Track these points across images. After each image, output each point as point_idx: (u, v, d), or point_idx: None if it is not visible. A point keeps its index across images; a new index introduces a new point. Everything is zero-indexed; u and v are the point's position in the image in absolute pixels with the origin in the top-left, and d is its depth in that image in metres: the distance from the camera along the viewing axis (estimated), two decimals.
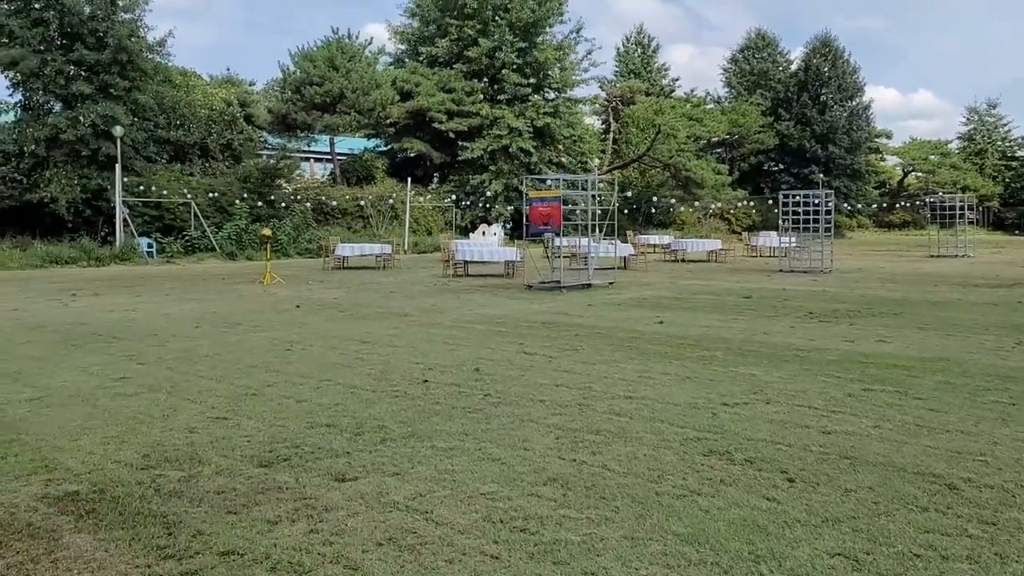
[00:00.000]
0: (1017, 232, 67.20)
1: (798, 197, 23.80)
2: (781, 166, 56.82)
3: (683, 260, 28.09)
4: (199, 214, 27.82)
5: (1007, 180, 72.16)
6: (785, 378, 7.43)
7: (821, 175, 54.22)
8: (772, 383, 7.20)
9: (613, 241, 22.84)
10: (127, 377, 7.65)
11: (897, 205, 59.86)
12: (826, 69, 55.81)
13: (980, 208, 70.20)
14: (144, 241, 26.69)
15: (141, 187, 27.49)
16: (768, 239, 31.34)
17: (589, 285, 17.00)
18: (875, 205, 60.99)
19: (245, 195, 29.48)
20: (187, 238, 27.44)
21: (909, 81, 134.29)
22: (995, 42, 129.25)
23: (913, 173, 71.67)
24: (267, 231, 19.88)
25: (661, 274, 22.04)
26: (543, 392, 6.90)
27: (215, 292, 16.70)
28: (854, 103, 56.66)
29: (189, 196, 27.89)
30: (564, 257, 20.01)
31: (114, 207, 26.20)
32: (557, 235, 16.67)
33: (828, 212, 22.84)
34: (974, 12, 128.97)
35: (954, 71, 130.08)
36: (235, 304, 14.33)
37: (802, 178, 55.78)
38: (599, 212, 18.35)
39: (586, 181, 17.62)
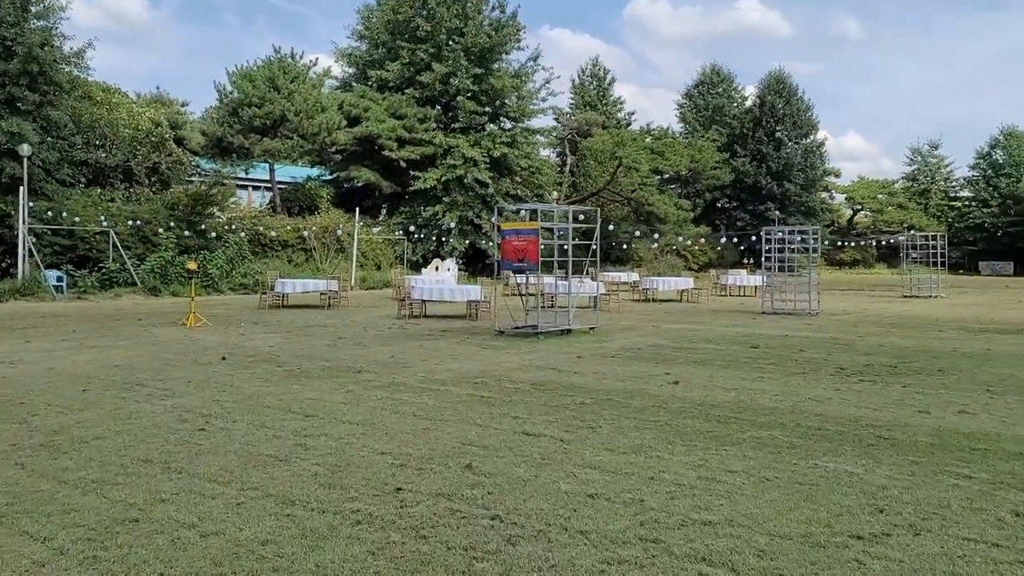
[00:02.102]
0: (961, 271, 67.91)
1: (780, 234, 22.20)
2: (736, 203, 56.15)
3: (653, 299, 26.25)
4: (118, 244, 24.84)
5: (950, 220, 73.20)
6: (899, 480, 5.33)
7: (777, 212, 53.64)
8: (890, 491, 5.09)
9: (582, 280, 20.83)
10: None
11: (858, 244, 59.54)
12: (780, 106, 55.60)
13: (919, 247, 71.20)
14: (53, 274, 23.58)
15: (50, 213, 24.40)
16: (738, 278, 29.79)
17: (569, 331, 14.84)
18: (828, 243, 60.73)
19: (172, 224, 26.57)
20: (104, 271, 24.39)
21: (839, 124, 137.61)
22: (920, 87, 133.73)
23: (861, 212, 72.18)
24: (192, 264, 17.19)
25: (638, 316, 20.05)
26: (576, 511, 4.65)
27: (125, 337, 13.99)
28: (808, 140, 56.53)
29: (106, 224, 24.88)
30: (516, 296, 17.86)
31: (17, 235, 23.08)
32: (534, 272, 14.50)
33: (815, 250, 21.24)
34: (901, 59, 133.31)
35: (881, 115, 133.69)
36: (146, 354, 11.71)
37: (757, 215, 55.21)
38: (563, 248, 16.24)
39: (566, 213, 15.53)
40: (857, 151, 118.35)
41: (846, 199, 72.26)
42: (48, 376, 9.58)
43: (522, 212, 18.14)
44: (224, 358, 11.29)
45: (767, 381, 9.55)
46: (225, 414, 7.38)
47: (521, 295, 16.24)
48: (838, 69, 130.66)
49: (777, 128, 56.29)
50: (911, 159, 77.14)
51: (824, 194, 62.75)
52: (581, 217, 16.86)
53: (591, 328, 15.48)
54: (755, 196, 55.58)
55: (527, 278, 15.65)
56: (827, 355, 12.06)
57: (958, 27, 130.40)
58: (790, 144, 55.79)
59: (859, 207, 71.34)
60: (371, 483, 5.22)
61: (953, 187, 75.56)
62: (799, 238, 22.45)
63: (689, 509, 4.70)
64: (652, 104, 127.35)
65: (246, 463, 5.68)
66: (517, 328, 14.81)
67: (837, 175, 69.47)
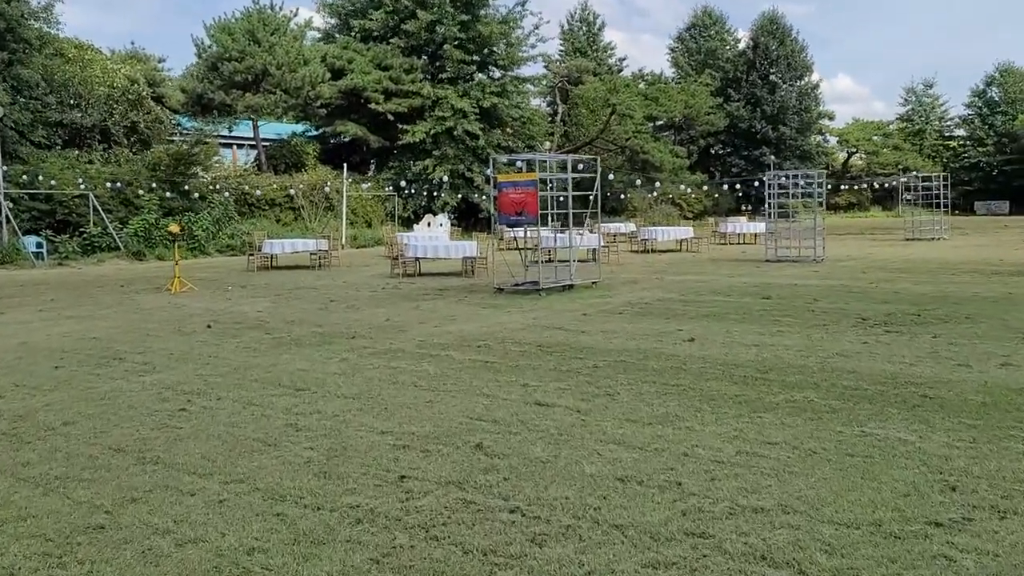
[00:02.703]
0: (957, 212, 67.37)
1: (782, 179, 21.48)
2: (731, 149, 55.17)
3: (652, 250, 25.63)
4: (99, 207, 23.95)
5: (945, 160, 72.37)
6: (961, 449, 4.78)
7: (772, 157, 52.73)
8: (955, 463, 4.53)
9: (581, 231, 20.15)
10: None
11: (853, 187, 58.66)
12: (774, 47, 54.25)
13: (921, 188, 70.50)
14: (32, 240, 22.74)
15: (25, 176, 23.45)
16: (737, 225, 29.13)
17: (571, 286, 14.23)
18: (830, 187, 60.02)
19: (154, 185, 25.63)
20: (85, 235, 23.54)
21: (830, 66, 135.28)
22: (911, 27, 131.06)
23: (856, 154, 71.26)
24: (175, 226, 16.41)
25: (640, 268, 19.45)
26: (606, 499, 4.09)
27: (106, 306, 13.31)
28: (803, 82, 55.35)
29: (83, 186, 23.92)
30: (512, 250, 17.13)
31: None
32: (533, 226, 13.82)
33: (819, 195, 20.55)
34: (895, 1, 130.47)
35: (872, 56, 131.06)
36: (127, 323, 11.06)
37: (752, 160, 54.28)
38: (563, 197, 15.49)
39: (564, 162, 14.79)
40: (848, 93, 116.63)
41: (838, 142, 71.23)
42: (19, 352, 8.93)
43: (518, 163, 17.35)
44: (209, 326, 10.65)
45: (787, 335, 8.98)
46: (209, 390, 6.77)
47: (520, 250, 15.58)
48: (828, 9, 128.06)
49: (771, 71, 55.01)
50: (905, 99, 75.97)
51: (819, 137, 61.70)
52: (580, 167, 16.11)
53: (593, 282, 14.87)
54: (750, 141, 54.56)
55: (526, 232, 14.97)
56: (844, 304, 11.50)
57: None
58: (784, 87, 54.60)
59: (854, 150, 70.36)
60: (371, 470, 4.63)
61: (948, 126, 74.58)
62: (801, 183, 21.75)
63: (734, 492, 4.14)
64: (640, 50, 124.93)
65: (231, 449, 5.09)
66: (517, 285, 14.18)
67: (831, 118, 68.35)
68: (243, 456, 4.95)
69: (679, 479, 4.36)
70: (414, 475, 4.53)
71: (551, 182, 14.34)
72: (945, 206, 29.79)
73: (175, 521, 3.94)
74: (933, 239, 28.56)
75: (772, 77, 54.48)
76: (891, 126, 73.60)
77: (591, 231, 18.58)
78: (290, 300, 13.74)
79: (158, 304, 13.42)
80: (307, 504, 4.12)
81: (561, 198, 15.19)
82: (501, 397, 6.38)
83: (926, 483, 4.20)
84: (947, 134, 73.84)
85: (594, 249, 20.50)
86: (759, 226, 29.45)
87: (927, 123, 74.00)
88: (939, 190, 29.80)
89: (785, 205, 22.00)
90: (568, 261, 14.83)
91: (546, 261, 16.82)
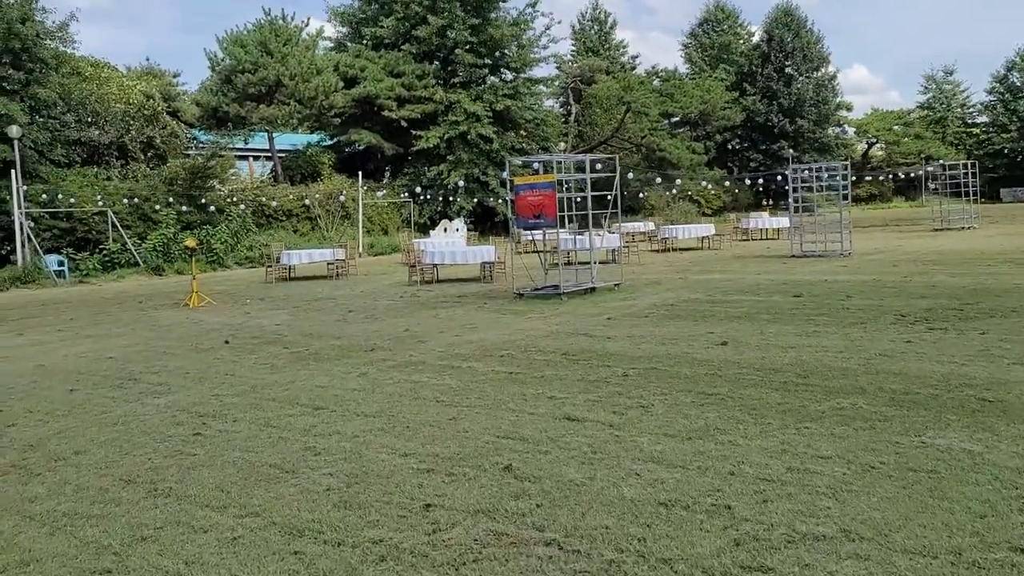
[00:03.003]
0: (983, 200, 66.20)
1: (806, 172, 21.01)
2: (748, 143, 54.54)
3: (672, 249, 25.21)
4: (117, 224, 23.92)
5: (969, 147, 71.16)
6: None
7: (791, 150, 52.04)
8: None
9: (600, 232, 19.81)
10: None
11: (875, 178, 57.75)
12: (789, 39, 53.57)
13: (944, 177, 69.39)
14: (54, 259, 22.74)
15: (43, 196, 23.47)
16: (760, 220, 28.62)
17: (593, 289, 13.89)
18: (854, 179, 59.21)
19: (171, 200, 25.58)
20: (105, 252, 23.51)
21: (843, 57, 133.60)
22: (925, 14, 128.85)
23: (876, 145, 70.22)
24: (191, 241, 16.26)
25: (661, 268, 19.07)
26: (650, 527, 3.76)
27: (124, 323, 13.15)
28: (820, 74, 54.60)
29: (101, 203, 23.87)
30: (529, 253, 16.79)
31: (13, 220, 22.19)
32: (552, 229, 13.50)
33: (845, 188, 20.04)
34: None
35: (885, 46, 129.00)
36: (144, 342, 10.87)
37: (770, 154, 53.67)
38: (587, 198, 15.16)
39: (581, 162, 14.46)
40: (863, 84, 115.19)
41: (855, 133, 70.21)
42: (35, 375, 8.74)
43: (535, 165, 17.05)
44: (227, 342, 10.43)
45: (825, 336, 8.60)
46: (225, 412, 6.52)
47: (539, 252, 15.26)
48: (840, 2, 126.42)
49: (787, 63, 54.33)
50: (925, 87, 74.81)
51: (837, 129, 60.82)
52: (599, 167, 15.77)
53: (616, 285, 14.51)
54: (767, 135, 53.90)
55: (544, 235, 14.65)
56: (879, 301, 11.07)
57: None
58: (801, 79, 53.89)
59: (874, 140, 69.33)
60: (394, 498, 4.34)
61: (970, 113, 73.36)
62: (824, 175, 21.26)
63: (790, 516, 3.79)
64: (650, 48, 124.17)
65: (246, 477, 4.81)
66: (537, 290, 13.87)
67: (849, 108, 67.32)
68: (259, 485, 4.68)
69: (728, 502, 4.02)
70: (440, 503, 4.23)
71: (568, 183, 14.02)
72: (974, 194, 29.07)
73: (186, 563, 3.66)
74: (963, 228, 27.89)
75: (788, 70, 53.82)
76: (912, 115, 72.51)
77: (610, 231, 18.20)
78: (308, 312, 13.52)
79: (176, 320, 13.24)
80: (327, 540, 3.83)
81: (578, 199, 14.88)
82: (528, 412, 6.07)
83: (1003, 501, 3.84)
84: (969, 121, 72.62)
85: (614, 250, 20.14)
86: (782, 221, 28.95)
87: (948, 110, 72.81)
88: (967, 178, 29.06)
89: (808, 199, 21.50)
90: (588, 263, 14.49)
91: (565, 264, 16.53)
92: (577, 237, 17.99)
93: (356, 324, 11.67)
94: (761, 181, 41.80)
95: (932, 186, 72.99)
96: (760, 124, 53.21)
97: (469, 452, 5.10)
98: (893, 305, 10.56)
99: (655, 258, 22.46)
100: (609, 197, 14.34)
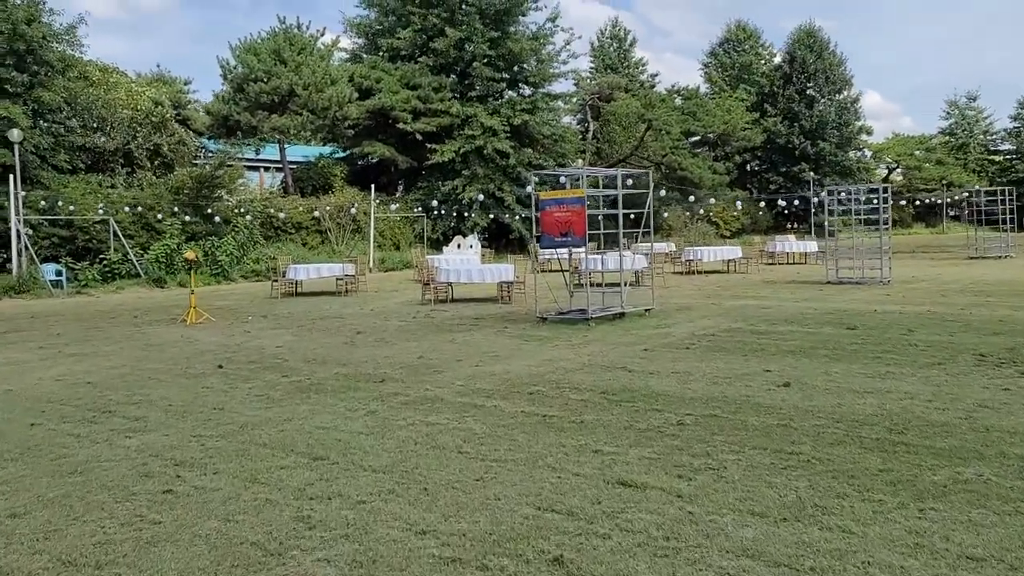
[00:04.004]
0: (1009, 228, 64.81)
1: (842, 194, 19.93)
2: (767, 165, 53.50)
3: (697, 271, 24.10)
4: (119, 233, 23.01)
5: (991, 175, 69.92)
6: None
7: (811, 173, 50.95)
8: None
9: (624, 253, 18.73)
10: None
11: (897, 203, 56.46)
12: (812, 61, 52.61)
13: (965, 204, 68.05)
14: (51, 268, 21.83)
15: (43, 203, 22.58)
16: (787, 244, 27.50)
17: (622, 314, 12.79)
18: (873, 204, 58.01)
19: (176, 209, 24.67)
20: (105, 262, 22.58)
21: (858, 83, 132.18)
22: (941, 41, 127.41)
23: (897, 170, 69.06)
24: (191, 253, 15.27)
25: (689, 291, 17.96)
26: None
27: (114, 341, 12.13)
28: (842, 96, 53.56)
29: (102, 211, 22.95)
30: (547, 273, 15.70)
31: (10, 228, 21.30)
32: (580, 248, 12.44)
33: (886, 211, 18.93)
34: (920, 12, 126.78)
35: (899, 72, 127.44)
36: (131, 363, 9.83)
37: (791, 177, 52.58)
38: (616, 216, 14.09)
39: (610, 177, 13.43)
40: (876, 110, 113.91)
41: (872, 156, 69.03)
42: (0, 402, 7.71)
43: (561, 179, 16.04)
44: (220, 366, 9.38)
45: (901, 378, 7.48)
46: (206, 460, 5.45)
47: (563, 272, 14.20)
48: (854, 25, 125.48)
49: (808, 84, 53.38)
50: (948, 112, 73.69)
51: (858, 152, 59.74)
52: (629, 182, 14.72)
53: (646, 310, 13.41)
54: (787, 157, 52.82)
55: (570, 254, 13.60)
56: (948, 336, 9.93)
57: None
58: (823, 101, 52.87)
59: (894, 165, 68.20)
60: None
61: (993, 140, 72.18)
62: (861, 198, 20.17)
63: None
64: (664, 69, 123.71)
65: (218, 563, 3.73)
66: (562, 314, 12.78)
67: (869, 132, 66.29)
68: (233, 574, 3.59)
69: None
70: None
71: (602, 199, 12.98)
72: (1011, 222, 27.89)
73: None
74: (1001, 257, 26.68)
75: (810, 91, 52.84)
76: (933, 140, 71.36)
77: (636, 252, 17.15)
78: (313, 332, 12.47)
79: (169, 338, 12.22)
80: None
81: (600, 216, 13.82)
82: (571, 471, 4.98)
83: None
84: (992, 148, 71.42)
85: (638, 272, 19.03)
86: (810, 245, 27.84)
87: (971, 136, 71.65)
88: (1006, 206, 27.89)
89: (842, 222, 20.44)
90: (617, 286, 13.42)
91: (577, 286, 15.49)
92: (601, 257, 16.97)
93: (365, 348, 10.61)
94: (783, 203, 40.62)
95: (953, 213, 72.04)
96: (780, 146, 52.16)
97: (504, 532, 4.01)
98: (966, 342, 9.42)
99: (679, 281, 21.35)
100: (633, 216, 13.32)
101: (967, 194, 34.79)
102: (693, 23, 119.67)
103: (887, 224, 19.04)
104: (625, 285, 13.07)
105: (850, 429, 5.77)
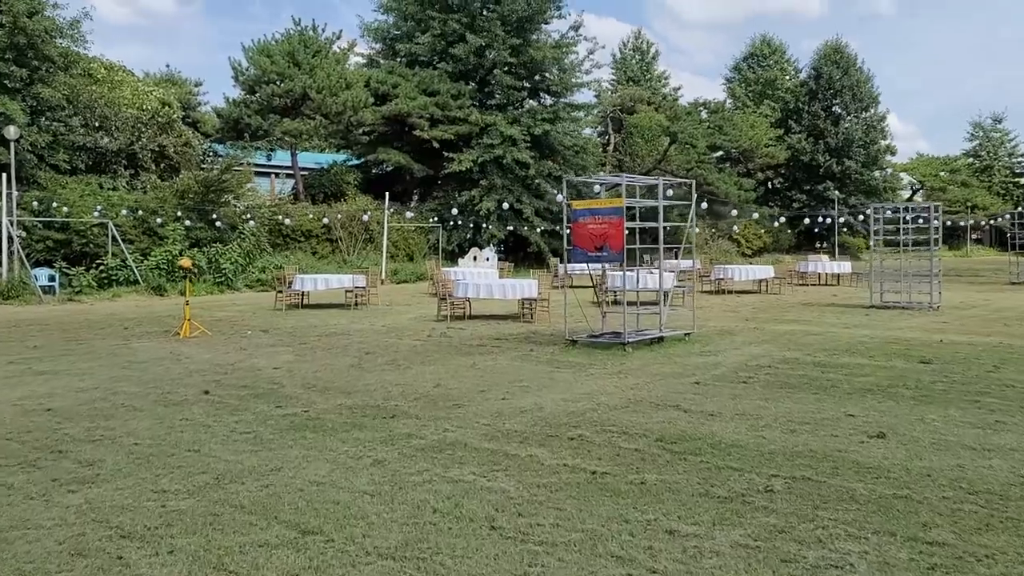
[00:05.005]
0: None
1: (888, 211, 18.62)
2: (790, 182, 52.07)
3: (726, 291, 22.76)
4: (118, 237, 21.88)
5: (1016, 198, 68.33)
6: None
7: (836, 192, 49.49)
8: None
9: (651, 270, 17.45)
10: None
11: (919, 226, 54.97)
12: (838, 77, 51.25)
13: (988, 227, 66.43)
14: (44, 272, 20.71)
15: (36, 203, 21.46)
16: (819, 264, 26.14)
17: (661, 339, 11.50)
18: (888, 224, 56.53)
19: (180, 213, 23.54)
20: (102, 268, 21.44)
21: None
22: (957, 64, 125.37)
23: (920, 191, 67.58)
24: (186, 261, 14.08)
25: (723, 313, 16.65)
26: None
27: (95, 356, 10.93)
28: (869, 114, 52.14)
29: (97, 214, 21.78)
30: (572, 288, 14.51)
31: (1, 229, 20.21)
32: (617, 264, 11.18)
33: (936, 230, 17.60)
34: (936, 36, 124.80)
35: (915, 95, 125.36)
36: (105, 385, 8.61)
37: (815, 195, 51.07)
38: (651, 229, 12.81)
39: (654, 186, 12.18)
40: (893, 132, 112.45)
41: (890, 175, 67.54)
42: None
43: (596, 188, 14.80)
44: (207, 392, 8.15)
45: (1018, 430, 6.16)
46: (162, 531, 4.19)
47: (596, 288, 12.93)
48: (869, 48, 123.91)
49: (834, 101, 51.97)
50: (972, 134, 72.21)
51: (885, 171, 58.28)
52: (670, 192, 13.48)
53: (686, 334, 12.11)
54: (811, 175, 51.34)
55: (603, 271, 12.33)
56: None
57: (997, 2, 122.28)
58: (849, 118, 51.45)
59: (919, 186, 66.76)
60: None
61: (1019, 163, 70.61)
62: (908, 216, 18.83)
63: None
64: (680, 85, 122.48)
65: None
66: (594, 336, 11.50)
67: (893, 152, 64.92)
68: None
69: None
70: None
71: (635, 208, 11.74)
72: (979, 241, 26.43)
73: None
74: None
75: (835, 108, 51.45)
76: (957, 161, 69.88)
77: (649, 272, 15.86)
78: (316, 351, 11.24)
79: (157, 354, 11.00)
80: None
81: (637, 230, 12.55)
82: (645, 564, 3.70)
83: None
84: (1018, 171, 69.84)
85: (668, 291, 17.68)
86: (843, 266, 26.48)
87: (996, 159, 70.11)
88: None
89: (900, 243, 19.12)
90: (647, 304, 12.13)
91: (613, 303, 14.20)
92: (635, 274, 15.68)
93: (374, 372, 9.35)
94: (807, 222, 39.27)
95: (976, 236, 70.41)
96: (805, 163, 50.72)
97: None
98: None
99: (710, 301, 20.01)
100: (662, 227, 12.02)
101: (1003, 217, 33.25)
102: (711, 44, 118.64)
103: (937, 245, 17.66)
104: (666, 307, 11.76)
105: (992, 505, 4.48)
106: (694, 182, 13.01)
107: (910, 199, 68.10)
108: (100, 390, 8.33)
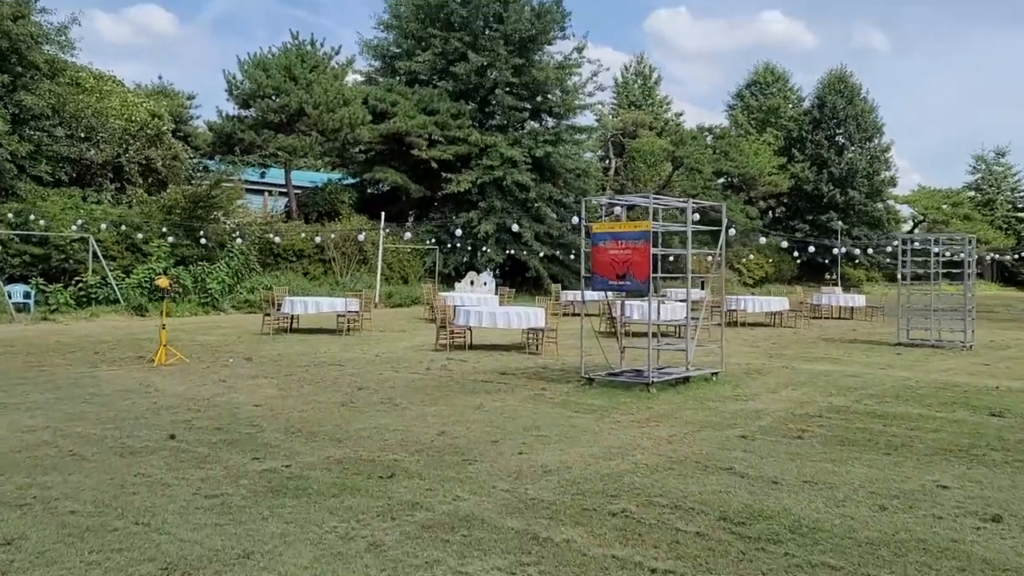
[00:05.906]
0: None
1: (916, 243, 17.65)
2: (793, 212, 51.32)
3: (739, 323, 21.64)
4: (99, 253, 20.66)
5: (1019, 232, 67.83)
6: None
7: (840, 222, 48.69)
8: None
9: (664, 300, 16.34)
10: None
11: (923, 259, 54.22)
12: (842, 106, 50.69)
13: (991, 261, 65.74)
14: (19, 289, 19.47)
15: (12, 215, 20.25)
16: (832, 297, 25.10)
17: (687, 378, 10.36)
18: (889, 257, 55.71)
19: (165, 230, 22.34)
20: (80, 285, 20.20)
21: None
22: (947, 99, 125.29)
23: (922, 224, 66.95)
24: (163, 280, 12.91)
25: (741, 347, 15.53)
26: None
27: (53, 387, 9.71)
28: (873, 144, 51.54)
29: (76, 228, 20.54)
30: (587, 315, 13.42)
31: None
32: (642, 294, 10.09)
33: (969, 265, 16.60)
34: (928, 71, 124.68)
35: (909, 130, 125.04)
36: (55, 425, 7.41)
37: (818, 225, 50.28)
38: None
39: (679, 209, 11.11)
40: (895, 163, 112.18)
41: (890, 206, 66.98)
42: None
43: (615, 210, 13.73)
44: (173, 436, 6.96)
45: None
46: None
47: (612, 318, 11.80)
48: (863, 82, 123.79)
49: (838, 131, 51.41)
50: (974, 167, 71.84)
51: (888, 203, 57.67)
52: (696, 216, 12.44)
53: (713, 373, 10.98)
54: (814, 204, 50.61)
55: (622, 303, 11.20)
56: None
57: (990, 39, 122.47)
58: (853, 148, 50.84)
59: (921, 218, 66.14)
60: None
61: (1021, 197, 70.20)
62: (935, 248, 17.83)
63: None
64: (684, 114, 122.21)
65: None
66: (613, 375, 10.36)
67: (894, 184, 64.41)
68: None
69: None
70: None
71: (661, 234, 10.66)
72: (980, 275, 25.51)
73: None
74: None
75: (839, 138, 50.86)
76: (960, 194, 69.39)
77: (672, 300, 14.76)
78: (303, 385, 10.04)
79: (125, 385, 9.80)
80: None
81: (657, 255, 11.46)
82: None
83: None
84: (1020, 205, 69.38)
85: (697, 322, 16.55)
86: (857, 299, 25.47)
87: (998, 193, 69.66)
88: None
89: (931, 276, 18.15)
90: (673, 338, 11.01)
91: (624, 335, 13.02)
92: (656, 304, 14.56)
93: (367, 414, 8.17)
94: (812, 250, 38.38)
95: (978, 271, 69.73)
96: (807, 193, 50.00)
97: None
98: None
99: (726, 334, 18.86)
100: (690, 255, 10.93)
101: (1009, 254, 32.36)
102: (706, 74, 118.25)
103: (971, 279, 16.66)
104: (694, 342, 10.64)
105: None
106: (724, 205, 11.96)
107: (911, 231, 67.54)
108: (49, 431, 7.14)
